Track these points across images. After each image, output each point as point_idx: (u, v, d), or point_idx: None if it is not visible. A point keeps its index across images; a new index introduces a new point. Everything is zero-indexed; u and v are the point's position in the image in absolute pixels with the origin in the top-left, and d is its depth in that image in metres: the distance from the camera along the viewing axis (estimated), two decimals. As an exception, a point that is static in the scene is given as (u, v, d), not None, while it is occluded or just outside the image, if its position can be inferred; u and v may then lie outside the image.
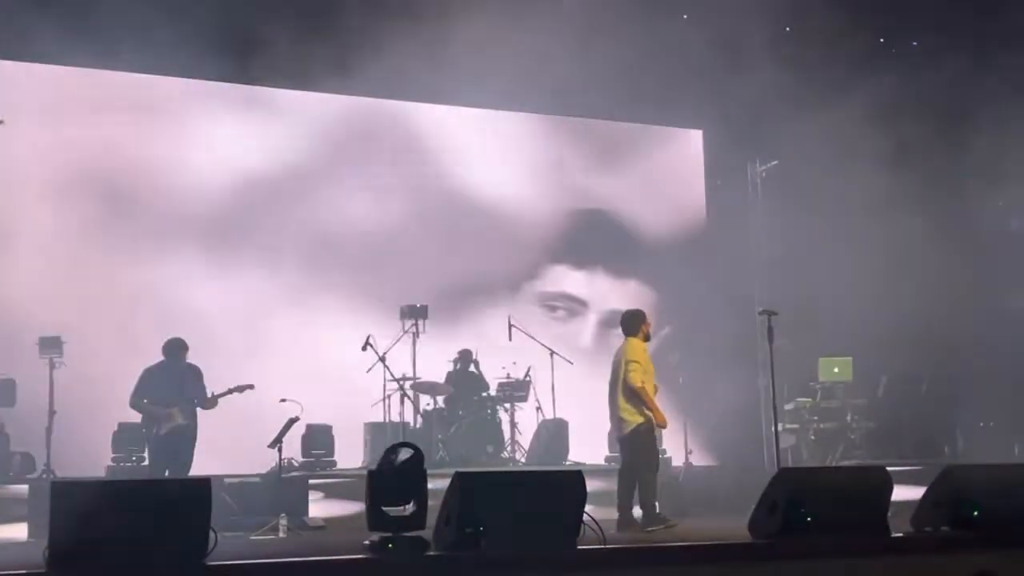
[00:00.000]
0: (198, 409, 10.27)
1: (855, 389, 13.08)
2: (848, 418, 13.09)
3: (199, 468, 10.24)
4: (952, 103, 13.34)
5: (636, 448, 8.99)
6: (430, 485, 6.05)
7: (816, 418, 13.01)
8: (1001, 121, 13.24)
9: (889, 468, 7.23)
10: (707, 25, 12.34)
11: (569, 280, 14.19)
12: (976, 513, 6.73)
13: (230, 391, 10.15)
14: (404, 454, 5.89)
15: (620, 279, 14.36)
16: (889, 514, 6.73)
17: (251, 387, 10.30)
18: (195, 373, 10.31)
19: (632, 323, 9.20)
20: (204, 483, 5.57)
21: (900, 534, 6.73)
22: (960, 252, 13.81)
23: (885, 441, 12.93)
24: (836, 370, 13.14)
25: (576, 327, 14.11)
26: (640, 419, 8.93)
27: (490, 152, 14.10)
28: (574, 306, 14.16)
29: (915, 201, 12.73)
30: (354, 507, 9.51)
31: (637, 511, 9.03)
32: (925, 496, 7.06)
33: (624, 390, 8.93)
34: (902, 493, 7.58)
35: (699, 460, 13.26)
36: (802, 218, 13.42)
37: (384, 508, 5.79)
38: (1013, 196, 14.87)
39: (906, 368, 13.49)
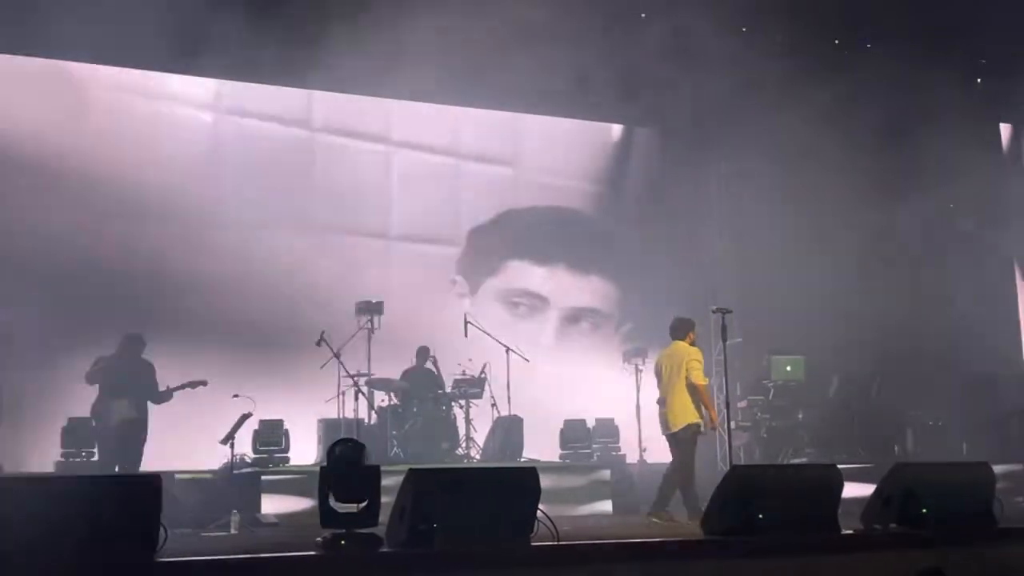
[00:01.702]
0: (150, 405, 10.17)
1: (807, 388, 13.19)
2: (800, 416, 13.21)
3: (151, 464, 10.15)
4: (904, 105, 13.49)
5: (683, 446, 9.43)
6: (385, 482, 6.03)
7: (768, 416, 13.09)
8: (951, 123, 13.43)
9: (840, 466, 7.31)
10: (666, 23, 12.39)
11: (530, 276, 14.16)
12: (925, 511, 6.81)
13: (183, 387, 10.09)
14: (346, 449, 5.86)
15: (581, 276, 14.36)
16: (839, 511, 6.79)
17: (204, 383, 10.24)
18: (148, 368, 10.22)
19: (683, 328, 9.74)
20: (155, 479, 5.52)
21: (850, 531, 6.80)
22: (911, 253, 14.01)
23: (836, 439, 13.04)
24: (788, 369, 13.24)
25: (537, 324, 14.07)
26: (695, 418, 9.39)
27: (450, 148, 14.07)
28: (535, 302, 14.14)
29: (868, 202, 12.88)
30: (307, 503, 9.45)
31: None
32: (875, 494, 7.14)
33: (689, 387, 9.41)
34: (853, 491, 7.67)
35: (654, 457, 13.29)
36: (759, 218, 13.52)
37: (337, 505, 5.77)
38: (962, 198, 15.10)
39: (857, 368, 13.62)
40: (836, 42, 14.40)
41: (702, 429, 9.54)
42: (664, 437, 9.73)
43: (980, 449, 12.85)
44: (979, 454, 11.57)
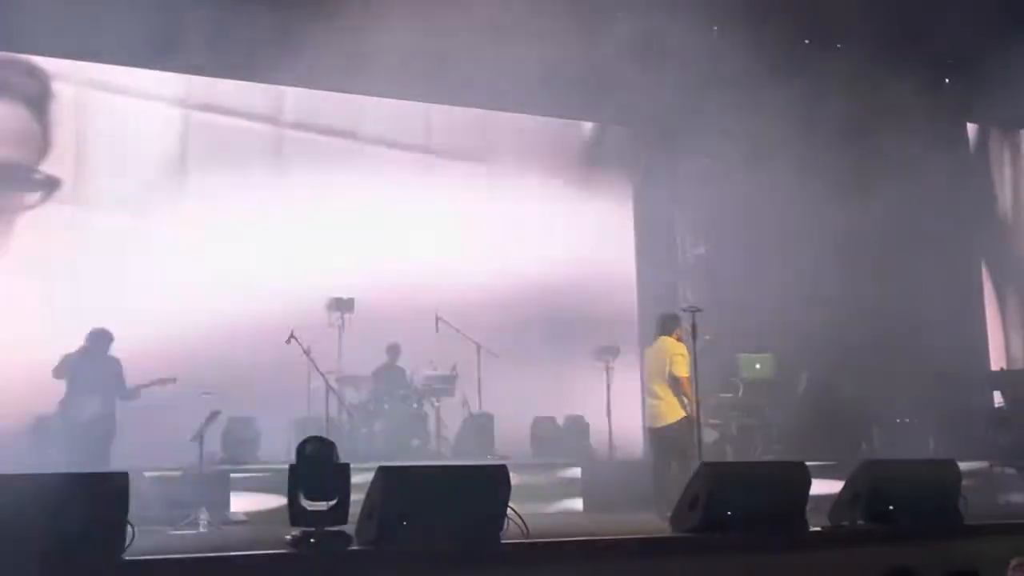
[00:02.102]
0: (118, 402, 10.10)
1: (776, 385, 13.26)
2: (769, 414, 13.28)
3: (120, 462, 10.07)
4: (873, 104, 13.58)
5: (678, 440, 9.63)
6: (355, 479, 6.02)
7: (738, 413, 13.15)
8: (918, 122, 13.55)
9: (808, 463, 7.36)
10: (636, 22, 12.42)
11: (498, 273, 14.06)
12: (891, 508, 6.87)
13: (151, 384, 10.01)
14: (316, 447, 5.85)
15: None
16: (807, 508, 6.84)
17: (173, 380, 10.16)
18: (115, 365, 10.15)
19: (670, 324, 9.99)
20: (122, 477, 5.48)
21: (818, 528, 6.85)
22: (880, 252, 14.11)
23: (805, 436, 13.10)
24: (758, 366, 13.31)
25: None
26: (682, 413, 9.65)
27: (421, 144, 14.04)
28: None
29: (838, 201, 12.95)
30: (277, 501, 9.36)
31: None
32: (842, 491, 7.20)
33: (670, 379, 9.68)
34: (821, 488, 7.72)
35: (624, 455, 13.34)
36: (729, 216, 13.59)
37: (306, 503, 5.75)
38: (929, 197, 15.23)
39: (826, 365, 13.71)
40: (807, 42, 14.49)
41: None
42: (648, 432, 9.87)
43: (947, 447, 12.98)
44: (946, 451, 11.68)
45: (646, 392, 10.01)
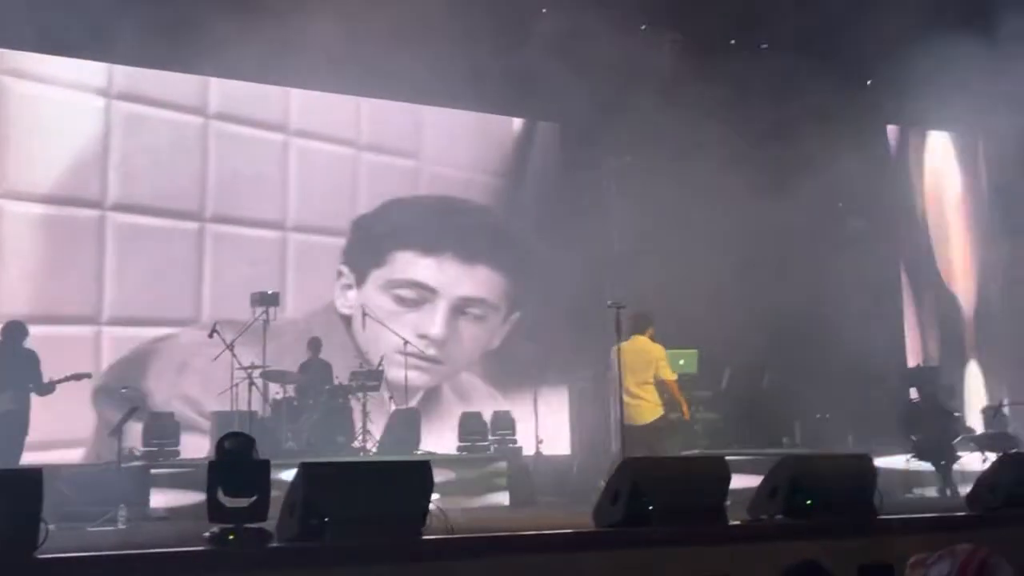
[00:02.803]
0: (32, 397, 9.89)
1: (700, 381, 13.38)
2: (693, 409, 13.41)
3: (37, 457, 9.88)
4: (796, 104, 13.77)
5: (659, 438, 9.88)
6: (279, 475, 5.96)
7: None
8: (841, 123, 13.80)
9: (730, 458, 7.46)
10: (566, 18, 12.46)
11: (417, 267, 14.03)
12: (809, 502, 6.98)
13: (67, 379, 9.81)
14: (235, 443, 5.78)
15: (468, 266, 14.25)
16: (728, 502, 6.92)
17: (88, 375, 9.99)
18: (31, 359, 9.94)
19: (643, 323, 10.15)
20: (35, 473, 5.37)
21: (737, 522, 6.93)
22: (802, 250, 14.33)
23: (728, 431, 13.29)
24: (682, 362, 13.39)
25: (426, 314, 13.98)
26: (661, 411, 9.94)
27: (350, 138, 13.94)
28: (423, 293, 14.03)
29: (760, 199, 13.12)
30: (198, 498, 9.21)
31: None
32: (762, 485, 7.29)
33: (658, 384, 9.95)
34: (741, 482, 7.83)
35: (550, 449, 13.42)
36: (654, 213, 13.68)
37: (225, 499, 5.68)
38: (850, 197, 15.52)
39: (748, 361, 13.90)
40: (732, 42, 14.66)
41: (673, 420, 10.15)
42: (625, 430, 9.85)
43: (865, 442, 13.23)
44: (864, 446, 11.90)
45: (624, 391, 9.83)
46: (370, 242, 13.76)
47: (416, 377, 12.54)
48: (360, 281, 13.61)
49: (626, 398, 9.85)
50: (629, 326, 10.03)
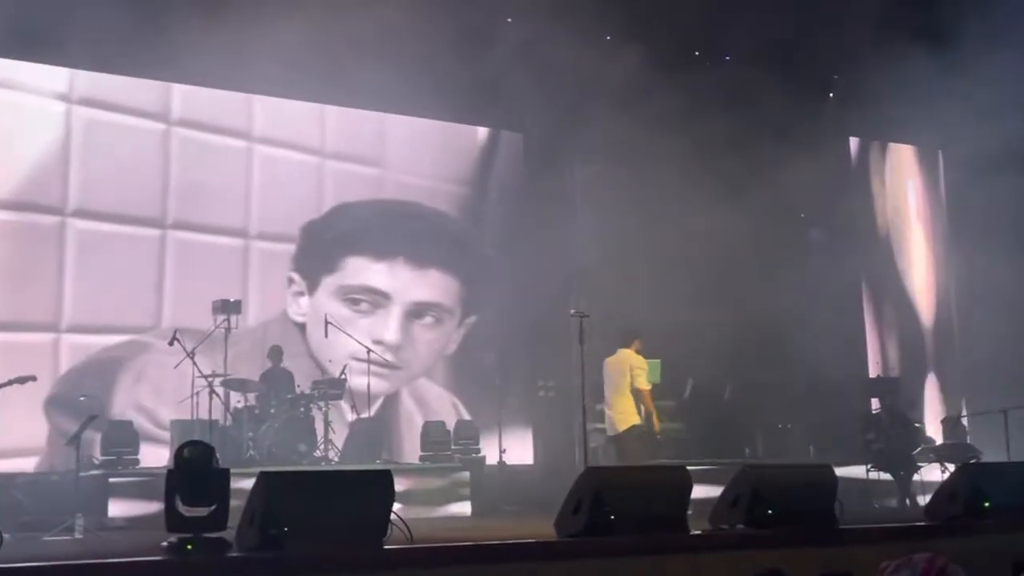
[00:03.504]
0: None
1: (663, 391, 13.42)
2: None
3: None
4: (760, 116, 13.89)
5: (628, 447, 10.22)
6: (239, 484, 5.91)
7: (625, 418, 13.28)
8: (804, 135, 13.92)
9: (692, 467, 7.47)
10: (530, 28, 12.49)
11: (369, 272, 13.85)
12: (770, 511, 7.00)
13: (10, 382, 9.63)
14: (194, 452, 5.72)
15: (421, 270, 14.09)
16: (689, 512, 6.93)
17: (33, 378, 9.82)
18: None
19: (628, 336, 10.58)
20: (-11, 482, 5.29)
21: (699, 531, 6.94)
22: (764, 261, 14.43)
23: (690, 441, 13.36)
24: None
25: (380, 320, 13.82)
26: (639, 420, 10.26)
27: (314, 146, 13.86)
28: (377, 299, 13.88)
29: (723, 210, 13.20)
30: (157, 507, 9.12)
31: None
32: (723, 495, 7.31)
33: (633, 392, 10.30)
34: (703, 492, 7.85)
35: (513, 459, 13.40)
36: (617, 222, 13.74)
37: (184, 509, 5.62)
38: (813, 208, 15.66)
39: (711, 372, 13.97)
40: (696, 54, 14.76)
41: (646, 430, 10.40)
42: (605, 440, 10.67)
43: (826, 452, 13.33)
44: (826, 456, 11.99)
45: (604, 402, 10.61)
46: (320, 248, 13.63)
47: (375, 384, 12.45)
48: (312, 288, 13.49)
49: (605, 409, 10.57)
50: (617, 339, 10.62)
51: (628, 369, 10.36)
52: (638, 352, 10.52)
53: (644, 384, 10.38)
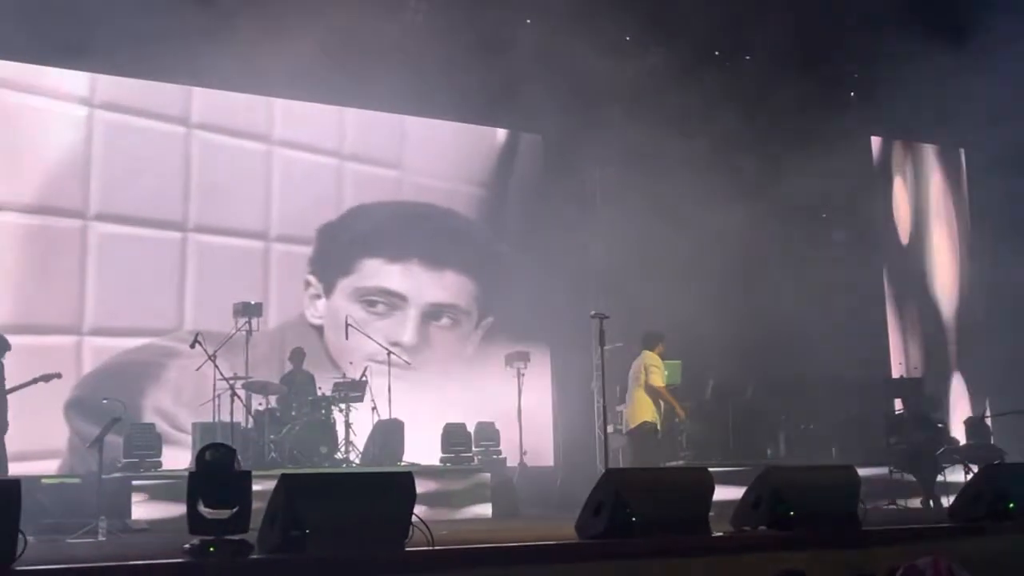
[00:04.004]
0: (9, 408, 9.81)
1: (684, 392, 13.38)
2: (676, 420, 13.40)
3: (13, 468, 9.81)
4: (781, 116, 13.84)
5: (638, 443, 10.67)
6: (261, 487, 5.91)
7: (646, 419, 13.24)
8: (825, 135, 13.84)
9: (714, 469, 7.43)
10: (549, 30, 12.49)
11: (385, 274, 13.88)
12: (792, 513, 6.96)
13: (36, 380, 9.69)
14: (216, 454, 5.73)
15: (436, 272, 14.13)
16: (711, 514, 6.90)
17: (58, 376, 9.89)
18: None
19: (650, 340, 11.05)
20: (13, 484, 5.30)
21: (720, 533, 6.91)
22: (786, 260, 14.37)
23: (711, 442, 13.28)
24: (666, 373, 13.42)
25: (397, 321, 13.86)
26: (651, 417, 10.69)
27: (333, 149, 13.90)
28: (393, 300, 13.90)
29: (745, 210, 13.16)
30: (180, 509, 9.16)
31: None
32: (744, 496, 7.27)
33: (648, 390, 10.74)
34: (725, 493, 7.81)
35: (534, 461, 13.39)
36: (638, 223, 13.70)
37: (206, 511, 5.63)
38: (834, 209, 15.57)
39: (732, 372, 13.91)
40: (716, 53, 14.70)
41: (658, 427, 10.86)
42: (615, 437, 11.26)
43: (849, 453, 13.25)
44: (848, 457, 11.91)
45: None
46: (337, 250, 13.67)
47: (394, 385, 12.48)
48: (328, 290, 13.53)
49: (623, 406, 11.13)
50: (641, 343, 11.06)
51: (643, 368, 10.80)
52: (661, 355, 10.89)
53: (658, 381, 10.79)
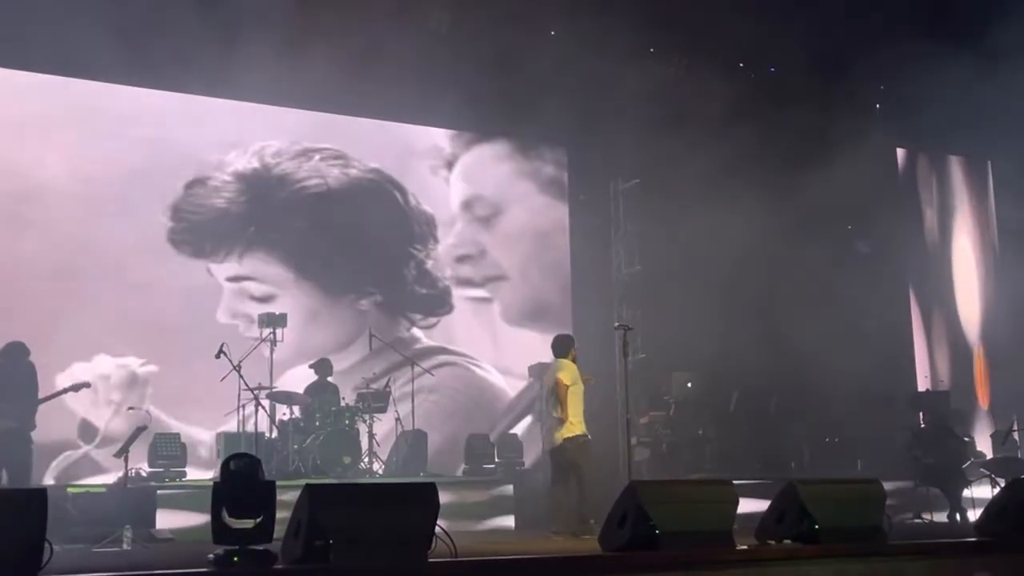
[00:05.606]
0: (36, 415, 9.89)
1: (708, 404, 13.38)
2: (700, 432, 13.37)
3: (43, 477, 9.89)
4: (805, 128, 13.80)
5: (559, 461, 9.79)
6: (285, 497, 5.94)
7: (669, 432, 13.23)
8: (850, 147, 13.80)
9: (737, 482, 7.40)
10: (572, 42, 12.50)
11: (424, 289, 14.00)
12: (817, 527, 6.93)
13: (65, 391, 9.77)
14: (241, 464, 5.76)
15: (472, 288, 14.27)
16: (735, 527, 6.87)
17: (87, 385, 9.95)
18: (30, 374, 9.93)
19: (562, 346, 9.99)
20: (39, 493, 5.35)
21: (744, 546, 6.88)
22: (811, 272, 14.31)
23: (735, 455, 13.24)
24: (689, 385, 13.40)
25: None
26: (571, 432, 9.64)
27: (349, 157, 13.93)
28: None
29: (769, 222, 13.13)
30: (204, 519, 9.22)
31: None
32: (769, 509, 7.25)
33: (553, 404, 9.76)
34: (749, 506, 7.78)
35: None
36: (662, 236, 13.70)
37: (230, 521, 5.65)
38: (860, 220, 15.51)
39: (757, 384, 13.85)
40: (741, 65, 14.69)
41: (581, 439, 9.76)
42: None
43: (873, 466, 13.16)
44: (874, 471, 11.84)
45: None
46: (378, 264, 13.75)
47: (420, 398, 12.50)
48: (373, 303, 13.62)
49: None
50: (552, 350, 10.11)
51: (552, 373, 9.89)
52: (574, 361, 9.96)
53: (564, 378, 9.72)
